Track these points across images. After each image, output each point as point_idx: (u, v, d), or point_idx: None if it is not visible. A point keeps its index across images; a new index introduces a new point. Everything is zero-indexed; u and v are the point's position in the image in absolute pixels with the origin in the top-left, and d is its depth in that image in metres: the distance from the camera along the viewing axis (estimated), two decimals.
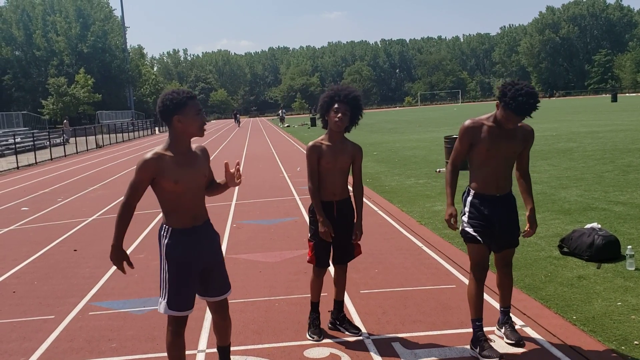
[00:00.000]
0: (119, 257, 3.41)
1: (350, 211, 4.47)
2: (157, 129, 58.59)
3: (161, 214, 3.47)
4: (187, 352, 3.57)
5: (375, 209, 9.72)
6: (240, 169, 3.59)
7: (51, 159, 25.92)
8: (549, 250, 6.47)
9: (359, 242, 4.49)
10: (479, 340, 4.01)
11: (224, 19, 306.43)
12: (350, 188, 4.52)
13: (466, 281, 5.60)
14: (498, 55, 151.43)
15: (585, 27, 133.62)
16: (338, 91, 4.32)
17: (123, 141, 41.69)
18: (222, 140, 35.39)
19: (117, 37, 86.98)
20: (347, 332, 4.51)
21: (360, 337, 4.42)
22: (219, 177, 3.65)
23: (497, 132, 3.98)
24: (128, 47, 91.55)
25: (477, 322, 4.06)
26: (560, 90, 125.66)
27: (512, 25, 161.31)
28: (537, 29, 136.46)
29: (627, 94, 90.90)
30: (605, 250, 5.90)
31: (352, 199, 4.53)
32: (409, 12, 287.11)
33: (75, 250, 7.79)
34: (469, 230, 4.10)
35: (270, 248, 7.33)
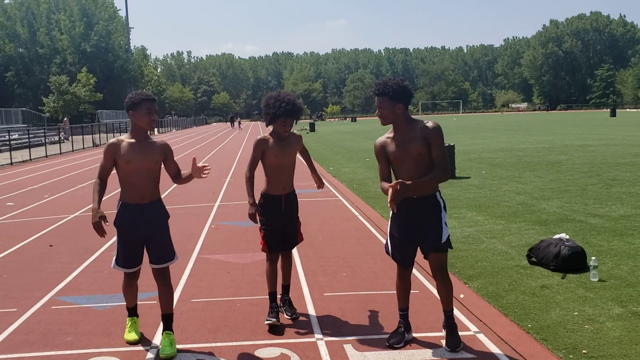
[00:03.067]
0: (96, 216, 4.14)
1: (296, 203, 4.93)
2: (155, 130, 58.60)
3: None
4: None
5: (356, 214, 9.76)
6: (208, 169, 4.31)
7: (46, 156, 25.97)
8: (517, 260, 6.49)
9: (322, 188, 5.16)
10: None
11: (230, 23, 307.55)
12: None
13: (430, 287, 5.65)
14: (501, 67, 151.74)
15: (589, 41, 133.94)
16: (281, 106, 4.64)
17: None
18: (219, 143, 35.46)
19: (120, 37, 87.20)
20: (284, 314, 4.91)
21: (313, 339, 4.44)
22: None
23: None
24: (131, 47, 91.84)
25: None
26: (561, 104, 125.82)
27: (516, 37, 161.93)
28: (540, 42, 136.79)
29: (627, 109, 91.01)
30: (571, 261, 5.92)
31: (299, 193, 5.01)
32: (413, 21, 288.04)
33: (50, 246, 7.82)
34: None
35: (244, 249, 7.35)
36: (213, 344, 4.39)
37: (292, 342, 4.40)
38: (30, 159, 24.32)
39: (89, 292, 5.73)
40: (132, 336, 4.43)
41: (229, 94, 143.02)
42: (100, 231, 4.14)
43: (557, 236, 6.36)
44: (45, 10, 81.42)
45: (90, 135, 35.52)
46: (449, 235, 4.21)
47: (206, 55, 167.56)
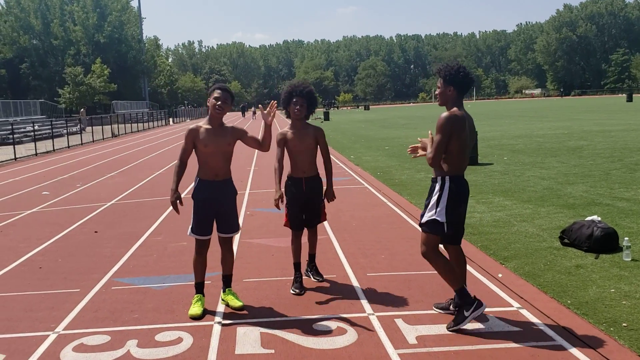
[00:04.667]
0: (173, 196, 4.76)
1: (317, 185, 5.43)
2: (171, 120, 59.11)
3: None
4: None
5: (385, 200, 9.99)
6: (274, 106, 4.82)
7: (68, 147, 26.42)
8: (550, 241, 6.72)
9: (331, 201, 5.53)
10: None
11: (239, 12, 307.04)
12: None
13: (469, 268, 5.88)
14: (514, 53, 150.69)
15: (603, 25, 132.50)
16: (295, 87, 5.26)
17: (138, 131, 42.20)
18: None
19: (133, 27, 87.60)
20: (312, 278, 5.60)
21: (365, 314, 4.72)
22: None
23: None
24: (144, 38, 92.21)
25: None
26: (576, 89, 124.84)
27: (529, 22, 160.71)
28: (554, 27, 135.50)
29: (633, 95, 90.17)
30: (604, 242, 6.14)
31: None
32: (424, 7, 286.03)
33: (95, 232, 8.15)
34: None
35: (281, 234, 7.60)
36: (272, 319, 4.67)
37: (345, 316, 4.68)
38: (54, 150, 24.76)
39: (143, 274, 6.03)
40: (196, 310, 4.74)
41: (240, 83, 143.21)
42: (176, 209, 4.81)
43: (588, 218, 6.57)
44: (59, 2, 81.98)
45: (108, 126, 35.90)
46: (433, 220, 4.29)
47: (217, 45, 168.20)
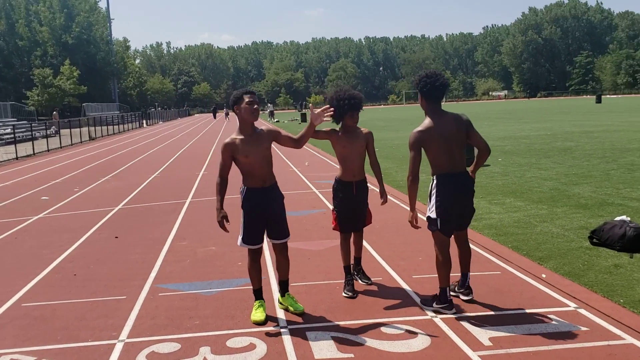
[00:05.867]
0: (219, 215, 4.71)
1: (365, 188, 5.47)
2: (144, 122, 58.31)
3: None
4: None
5: (397, 202, 10.03)
6: (329, 111, 4.89)
7: (48, 150, 25.84)
8: (578, 241, 6.85)
9: (384, 204, 5.51)
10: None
11: (204, 13, 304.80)
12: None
13: (508, 268, 6.00)
14: (481, 55, 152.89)
15: (567, 28, 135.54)
16: (352, 104, 5.21)
17: (114, 134, 41.54)
18: (225, 133, 35.47)
19: (102, 28, 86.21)
20: (359, 281, 5.60)
21: (427, 316, 4.75)
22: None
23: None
24: (112, 39, 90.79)
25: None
26: (541, 91, 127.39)
27: (495, 25, 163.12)
28: (519, 30, 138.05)
29: (607, 96, 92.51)
30: (636, 241, 6.29)
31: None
32: (391, 9, 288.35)
33: (116, 238, 8.01)
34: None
35: (309, 237, 7.63)
36: (336, 323, 4.66)
37: (409, 319, 4.71)
38: (34, 153, 24.21)
39: (185, 280, 5.96)
40: (259, 316, 4.71)
41: (209, 84, 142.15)
42: (224, 228, 4.76)
43: (617, 218, 6.73)
44: (24, 1, 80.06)
45: (79, 129, 35.04)
46: (427, 217, 4.89)
47: (185, 46, 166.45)
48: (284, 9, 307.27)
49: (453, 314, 4.77)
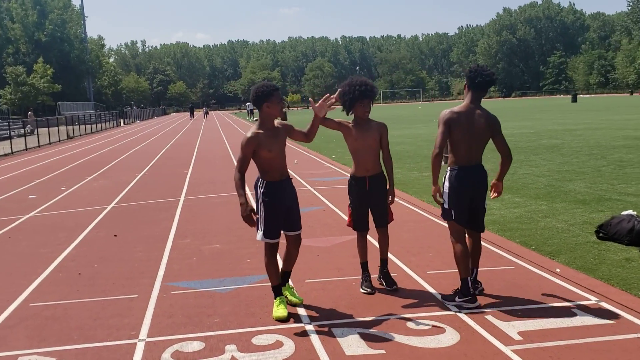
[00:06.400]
0: (247, 209, 4.52)
1: (382, 183, 5.22)
2: (121, 121, 57.52)
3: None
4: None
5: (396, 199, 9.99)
6: (331, 100, 4.87)
7: (26, 149, 25.33)
8: (584, 236, 6.88)
9: (392, 203, 5.28)
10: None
11: (178, 11, 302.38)
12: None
13: (521, 263, 5.99)
14: (456, 55, 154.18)
15: (541, 29, 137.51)
16: (364, 90, 4.99)
17: (92, 132, 40.90)
18: (208, 132, 35.12)
19: (75, 26, 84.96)
20: (384, 286, 5.27)
21: (451, 312, 4.70)
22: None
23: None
24: (87, 37, 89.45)
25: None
26: (516, 91, 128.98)
27: (470, 25, 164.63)
28: (494, 30, 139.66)
29: (580, 95, 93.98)
30: None
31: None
32: (367, 9, 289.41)
33: (115, 236, 7.82)
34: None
35: (313, 234, 7.53)
36: (361, 319, 4.59)
37: (434, 314, 4.65)
38: (12, 152, 23.68)
39: (195, 278, 5.83)
40: (282, 313, 4.61)
41: (185, 83, 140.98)
42: (251, 222, 4.63)
43: (624, 213, 6.79)
44: None
45: (54, 128, 34.22)
46: (443, 207, 4.95)
47: (160, 44, 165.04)
48: (259, 7, 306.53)
49: (476, 307, 4.73)
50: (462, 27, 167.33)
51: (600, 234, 6.75)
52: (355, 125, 5.13)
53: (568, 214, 8.10)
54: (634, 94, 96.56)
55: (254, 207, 4.70)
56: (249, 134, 4.65)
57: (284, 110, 5.24)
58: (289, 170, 5.04)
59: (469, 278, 4.82)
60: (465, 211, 4.91)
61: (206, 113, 65.68)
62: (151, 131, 40.69)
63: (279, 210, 4.73)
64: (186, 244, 7.28)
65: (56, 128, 33.63)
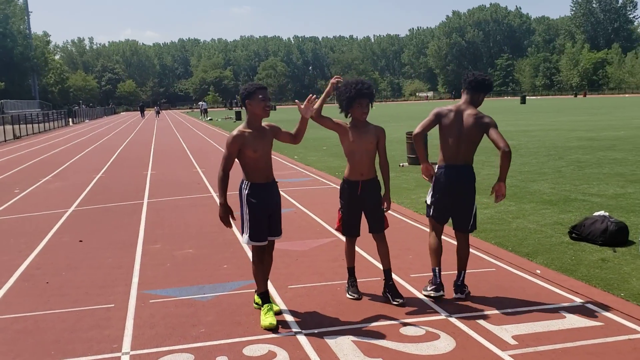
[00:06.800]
0: (226, 211, 4.55)
1: (375, 189, 5.05)
2: (70, 120, 55.74)
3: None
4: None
5: None
6: (313, 99, 4.74)
7: None
8: (557, 237, 6.97)
9: (388, 211, 5.10)
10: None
11: (126, 8, 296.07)
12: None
13: (501, 264, 6.00)
14: (407, 57, 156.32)
15: (489, 32, 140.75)
16: (360, 89, 4.82)
17: (39, 132, 39.47)
18: (163, 132, 34.36)
19: (19, 21, 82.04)
20: (391, 301, 4.95)
21: (442, 317, 4.65)
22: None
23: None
24: (31, 33, 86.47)
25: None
26: None
27: (421, 27, 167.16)
28: (444, 32, 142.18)
29: (527, 97, 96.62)
30: (618, 235, 6.48)
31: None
32: (320, 10, 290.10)
33: (80, 242, 7.49)
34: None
35: (290, 238, 7.35)
36: (352, 326, 4.48)
37: (425, 319, 4.59)
38: None
39: (172, 285, 5.61)
40: (271, 321, 4.46)
41: (135, 81, 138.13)
42: (228, 224, 4.63)
43: (596, 213, 6.90)
44: None
45: (0, 127, 32.91)
46: (425, 202, 5.23)
47: (108, 42, 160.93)
48: (209, 6, 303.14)
49: (440, 296, 4.99)
50: (412, 29, 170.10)
51: (574, 235, 6.86)
52: (352, 127, 4.93)
53: (537, 214, 8.21)
54: (577, 96, 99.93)
55: (235, 208, 4.59)
56: (234, 132, 4.55)
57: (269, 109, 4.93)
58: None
59: (436, 269, 5.07)
60: (445, 210, 5.08)
61: (158, 112, 64.43)
62: (103, 131, 39.60)
63: (264, 213, 4.61)
64: (157, 249, 7.02)
65: (1, 127, 32.34)
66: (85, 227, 8.41)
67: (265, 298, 4.65)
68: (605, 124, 26.27)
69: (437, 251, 5.11)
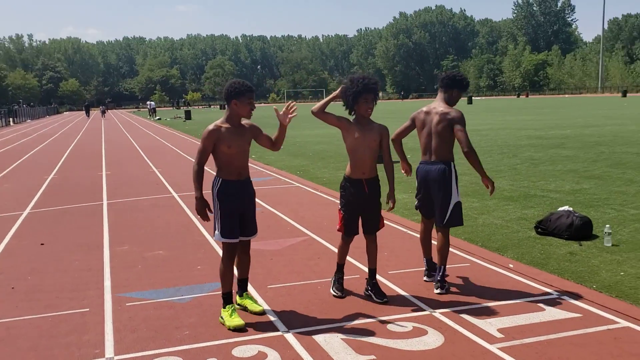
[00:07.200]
0: (203, 204, 4.49)
1: (378, 188, 4.99)
2: (11, 120, 53.64)
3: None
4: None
5: (330, 198, 9.94)
6: (293, 108, 4.70)
7: None
8: (524, 232, 7.15)
9: (391, 208, 5.05)
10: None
11: (67, 4, 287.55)
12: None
13: (474, 259, 6.12)
14: (356, 57, 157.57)
15: (435, 33, 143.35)
16: (366, 84, 4.78)
17: None
18: (113, 133, 33.44)
19: None
20: (374, 298, 4.95)
21: (426, 312, 4.69)
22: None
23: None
24: None
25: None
26: (413, 93, 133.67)
27: (369, 28, 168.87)
28: (391, 34, 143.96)
29: (472, 98, 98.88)
30: (582, 230, 6.69)
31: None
32: (268, 8, 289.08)
33: (42, 245, 7.20)
34: None
35: (261, 237, 7.21)
36: (339, 324, 4.46)
37: (410, 315, 4.62)
38: None
39: (148, 287, 5.46)
40: (239, 321, 4.41)
41: (78, 80, 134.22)
42: (205, 217, 4.55)
43: (561, 209, 7.11)
44: None
45: None
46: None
47: (49, 39, 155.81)
48: (154, 3, 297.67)
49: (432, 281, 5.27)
50: (361, 29, 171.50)
51: (539, 229, 7.05)
52: (356, 123, 4.86)
53: (501, 210, 8.40)
54: (520, 97, 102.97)
55: (210, 203, 4.57)
56: (210, 127, 4.49)
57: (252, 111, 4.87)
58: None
59: (425, 259, 5.54)
60: (427, 204, 5.33)
61: (103, 112, 62.87)
62: (47, 131, 38.28)
63: (235, 210, 4.55)
64: (125, 251, 6.83)
65: None
66: (45, 229, 8.10)
67: (229, 299, 4.58)
68: (552, 123, 27.15)
69: (423, 242, 5.52)
